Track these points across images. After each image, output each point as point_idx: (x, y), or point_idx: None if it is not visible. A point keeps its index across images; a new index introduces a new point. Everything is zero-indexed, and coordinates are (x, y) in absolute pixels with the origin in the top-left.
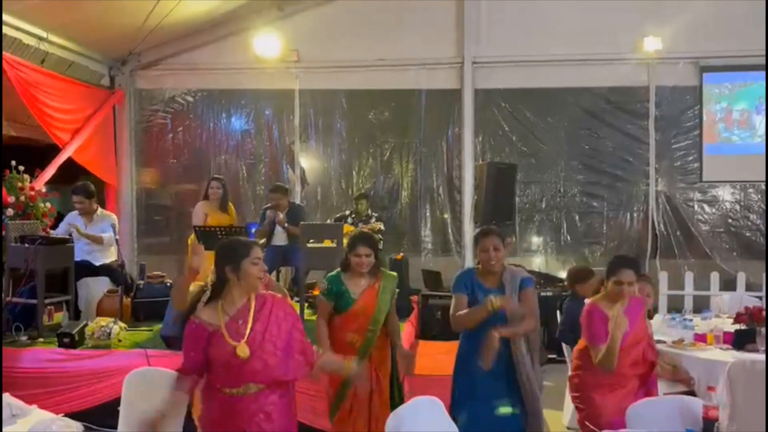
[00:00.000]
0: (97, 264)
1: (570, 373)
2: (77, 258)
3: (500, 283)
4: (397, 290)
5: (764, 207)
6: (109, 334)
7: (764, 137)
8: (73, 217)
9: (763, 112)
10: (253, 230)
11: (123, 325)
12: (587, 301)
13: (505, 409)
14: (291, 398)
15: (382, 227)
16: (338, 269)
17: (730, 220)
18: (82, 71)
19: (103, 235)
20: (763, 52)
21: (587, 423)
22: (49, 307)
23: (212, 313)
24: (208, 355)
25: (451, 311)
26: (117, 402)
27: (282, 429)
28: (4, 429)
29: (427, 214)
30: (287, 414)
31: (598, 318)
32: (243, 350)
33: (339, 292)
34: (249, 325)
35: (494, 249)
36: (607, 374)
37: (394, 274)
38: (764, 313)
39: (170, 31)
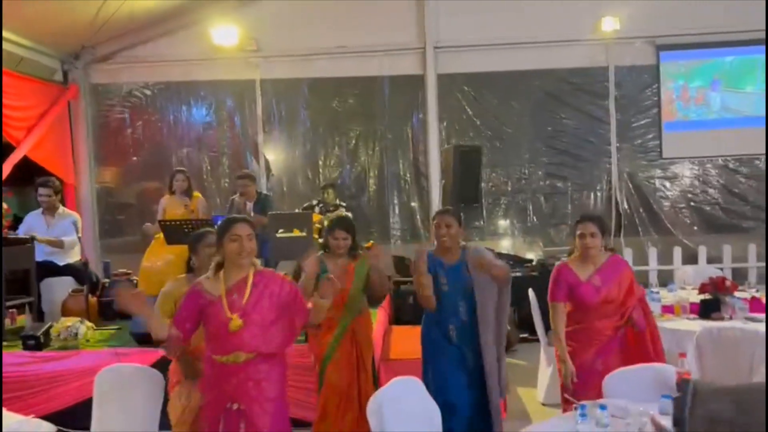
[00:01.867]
0: (61, 264)
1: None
2: (39, 258)
3: (460, 259)
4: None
5: (722, 182)
6: (76, 334)
7: (720, 113)
8: (34, 216)
9: (718, 89)
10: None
11: (90, 324)
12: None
13: None
14: (282, 370)
15: (350, 216)
16: (321, 251)
17: (690, 196)
18: (34, 66)
19: (64, 239)
20: (717, 30)
21: (565, 393)
22: (11, 311)
23: (214, 284)
24: (204, 322)
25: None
26: (88, 403)
27: (272, 398)
28: None
29: (395, 201)
30: (277, 385)
31: (565, 277)
32: (235, 324)
33: (321, 271)
34: (244, 300)
35: (446, 226)
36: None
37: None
38: (728, 282)
39: (124, 23)
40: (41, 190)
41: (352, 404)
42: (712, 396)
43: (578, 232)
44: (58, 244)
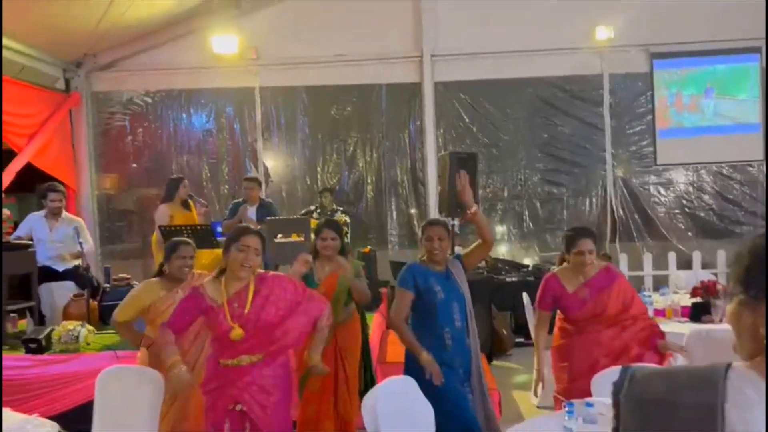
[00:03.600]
0: (61, 269)
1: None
2: (41, 263)
3: (447, 269)
4: (363, 275)
5: (716, 187)
6: (77, 337)
7: (713, 120)
8: (36, 219)
9: (712, 96)
10: (219, 228)
11: (91, 328)
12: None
13: None
14: (286, 375)
15: (348, 220)
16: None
17: (684, 202)
18: (35, 74)
19: (85, 249)
20: (710, 39)
21: (559, 395)
22: (12, 315)
23: (216, 290)
24: (207, 326)
25: (393, 307)
26: (88, 405)
27: (274, 402)
28: None
29: (393, 207)
30: (282, 389)
31: (551, 287)
32: (237, 333)
33: (307, 277)
34: (246, 308)
35: (439, 239)
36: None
37: (356, 261)
38: (719, 286)
39: (126, 32)
40: (52, 195)
41: (329, 414)
42: (646, 379)
43: (576, 249)
44: (82, 256)
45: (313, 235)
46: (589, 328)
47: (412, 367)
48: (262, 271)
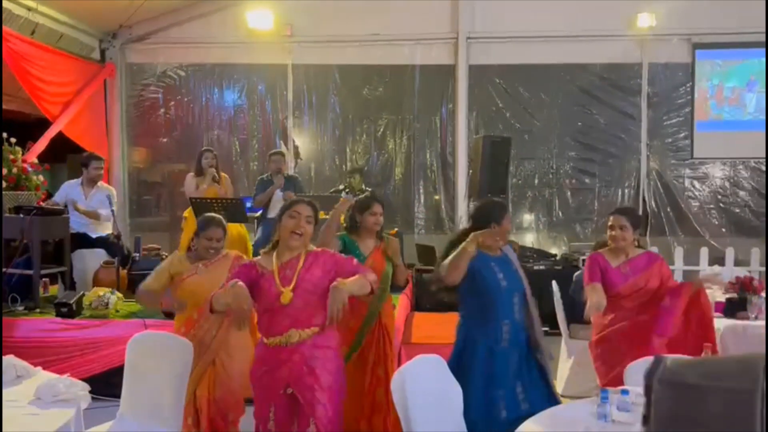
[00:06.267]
0: (94, 236)
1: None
2: (74, 229)
3: (503, 252)
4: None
5: (753, 184)
6: (107, 304)
7: (755, 114)
8: (72, 186)
9: (755, 90)
10: (249, 204)
11: (120, 295)
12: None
13: None
14: (338, 361)
15: None
16: (344, 232)
17: (719, 197)
18: (73, 44)
19: (101, 212)
20: (756, 30)
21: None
22: (44, 279)
23: (267, 260)
24: (256, 299)
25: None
26: (115, 371)
27: (325, 387)
28: (10, 390)
29: (421, 190)
30: (332, 369)
31: (597, 261)
32: (286, 296)
33: (350, 251)
34: (296, 273)
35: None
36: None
37: (395, 238)
38: (755, 282)
39: (162, 5)
40: (95, 163)
41: (380, 381)
42: (682, 366)
43: (609, 224)
44: (95, 216)
45: (356, 211)
46: (629, 312)
47: (466, 354)
48: (314, 247)
